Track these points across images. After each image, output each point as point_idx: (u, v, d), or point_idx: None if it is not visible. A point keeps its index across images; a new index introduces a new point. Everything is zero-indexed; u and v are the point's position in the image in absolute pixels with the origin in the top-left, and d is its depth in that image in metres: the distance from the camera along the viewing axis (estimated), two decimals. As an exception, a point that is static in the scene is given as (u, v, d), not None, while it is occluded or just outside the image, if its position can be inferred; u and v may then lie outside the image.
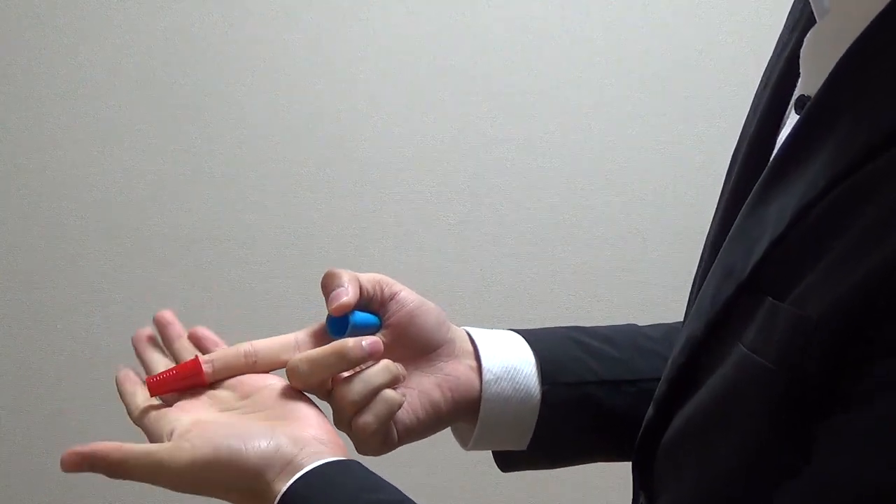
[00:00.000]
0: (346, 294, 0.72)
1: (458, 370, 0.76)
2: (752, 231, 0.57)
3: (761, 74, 0.70)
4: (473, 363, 0.77)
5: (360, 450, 0.72)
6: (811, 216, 0.53)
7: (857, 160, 0.51)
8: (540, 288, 1.71)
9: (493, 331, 0.80)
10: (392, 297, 0.76)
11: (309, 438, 0.64)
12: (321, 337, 0.74)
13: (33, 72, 1.62)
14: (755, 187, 0.60)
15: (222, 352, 0.73)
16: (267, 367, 0.73)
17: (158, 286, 1.65)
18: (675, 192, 1.70)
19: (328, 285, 0.73)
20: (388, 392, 0.70)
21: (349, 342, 0.69)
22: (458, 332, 0.78)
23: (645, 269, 1.71)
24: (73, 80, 1.62)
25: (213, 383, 0.71)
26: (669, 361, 0.64)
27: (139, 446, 0.66)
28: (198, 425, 0.66)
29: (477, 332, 0.79)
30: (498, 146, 1.69)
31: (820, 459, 0.49)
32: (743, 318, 0.56)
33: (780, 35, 0.71)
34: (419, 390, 0.75)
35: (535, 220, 1.70)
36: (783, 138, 0.62)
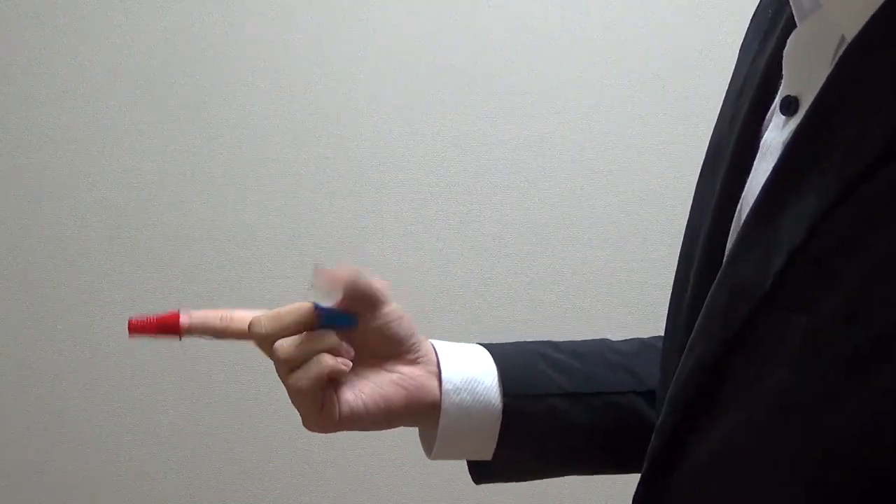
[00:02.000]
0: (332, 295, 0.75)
1: (416, 374, 0.77)
2: (763, 243, 0.54)
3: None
4: (434, 370, 0.78)
5: (305, 424, 0.76)
6: (831, 223, 0.50)
7: (874, 161, 0.49)
8: (540, 288, 1.71)
9: (458, 344, 0.81)
10: (376, 307, 0.77)
11: None
12: None
13: (33, 72, 1.62)
14: (758, 196, 0.57)
15: (203, 311, 0.76)
16: (238, 333, 0.76)
17: (158, 286, 1.65)
18: (675, 192, 1.70)
19: (332, 282, 0.76)
20: (323, 356, 0.73)
21: (333, 335, 0.74)
22: (425, 344, 0.79)
23: (645, 269, 1.71)
24: (73, 80, 1.62)
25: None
26: (673, 388, 0.60)
27: None
28: None
29: (440, 345, 0.80)
30: (498, 146, 1.68)
31: None
32: (769, 338, 0.53)
33: (742, 50, 0.70)
34: (373, 382, 0.76)
35: (535, 220, 1.70)
36: (768, 140, 0.61)
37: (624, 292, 1.71)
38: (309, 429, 0.76)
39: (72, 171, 1.63)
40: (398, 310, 0.78)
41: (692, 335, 0.59)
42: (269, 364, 1.81)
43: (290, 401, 0.76)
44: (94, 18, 1.62)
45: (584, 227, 1.70)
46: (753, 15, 0.70)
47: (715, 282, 0.58)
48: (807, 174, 0.53)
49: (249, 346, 1.53)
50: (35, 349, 1.64)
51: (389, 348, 0.77)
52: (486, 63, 1.67)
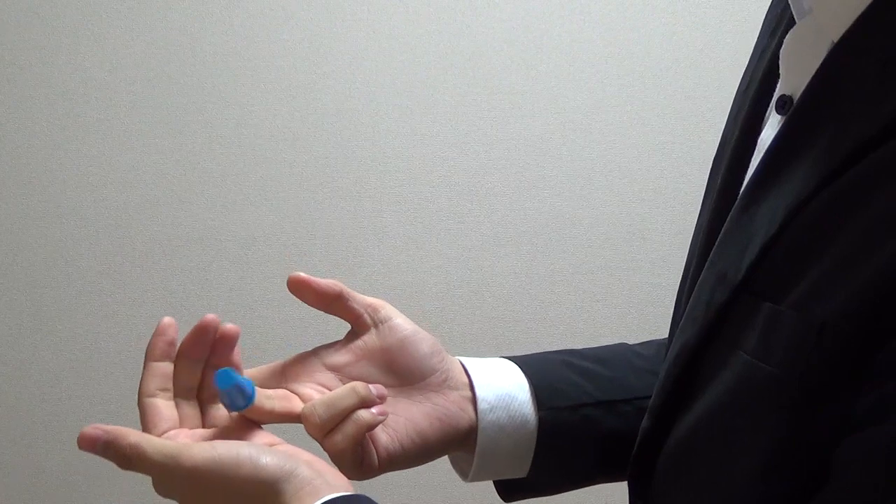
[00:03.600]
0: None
1: (449, 401, 0.75)
2: (743, 233, 0.57)
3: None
4: (468, 393, 0.76)
5: (344, 474, 0.71)
6: (804, 216, 0.53)
7: (847, 158, 0.51)
8: (540, 288, 1.71)
9: (487, 359, 0.79)
10: (383, 322, 0.75)
11: (326, 469, 0.63)
12: (306, 362, 0.75)
13: (33, 72, 1.62)
14: (743, 189, 0.60)
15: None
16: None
17: (159, 286, 1.65)
18: (675, 191, 1.70)
19: (308, 291, 0.74)
20: (359, 412, 0.69)
21: (359, 386, 0.69)
22: (453, 363, 0.77)
23: (645, 269, 1.71)
24: (73, 80, 1.62)
25: None
26: (663, 371, 0.64)
27: (157, 438, 0.64)
28: (218, 436, 0.67)
29: (470, 362, 0.78)
30: (498, 146, 1.69)
31: (844, 473, 0.48)
32: (739, 323, 0.55)
33: (758, 40, 0.71)
34: (406, 418, 0.73)
35: (535, 220, 1.70)
36: (764, 138, 0.62)
37: (624, 292, 1.71)
38: (349, 478, 0.71)
39: (72, 171, 1.63)
40: (409, 325, 0.75)
41: (681, 321, 0.63)
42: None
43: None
44: (94, 18, 1.62)
45: (584, 227, 1.70)
46: (770, 5, 0.70)
47: (703, 271, 0.61)
48: (786, 170, 0.55)
49: (250, 348, 1.53)
50: (35, 349, 1.64)
51: (414, 373, 0.74)
52: (486, 63, 1.67)
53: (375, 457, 0.72)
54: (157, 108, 1.63)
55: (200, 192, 1.65)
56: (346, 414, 0.69)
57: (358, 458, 0.70)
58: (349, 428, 0.69)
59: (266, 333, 1.64)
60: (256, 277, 1.65)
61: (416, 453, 0.73)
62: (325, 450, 0.71)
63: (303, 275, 0.74)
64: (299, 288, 0.74)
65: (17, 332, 1.64)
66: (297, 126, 1.65)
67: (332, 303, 0.74)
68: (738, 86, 0.71)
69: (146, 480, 0.65)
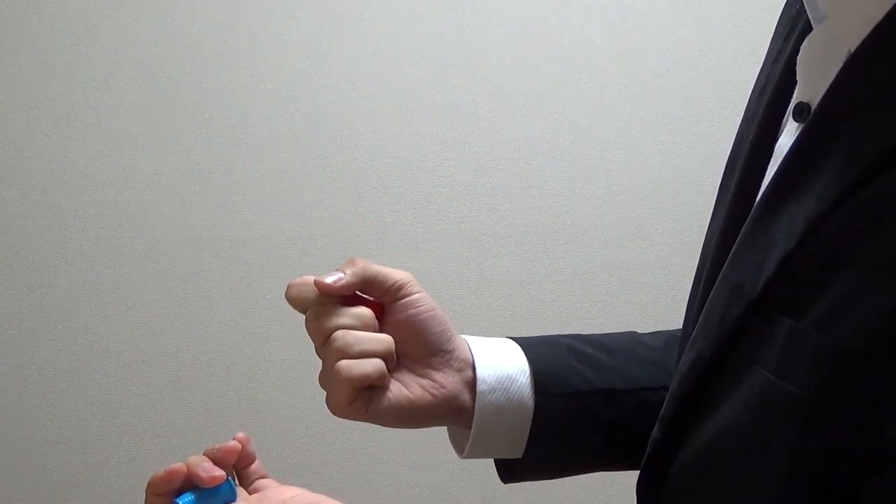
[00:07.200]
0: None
1: (447, 380, 0.77)
2: (760, 245, 0.56)
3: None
4: (469, 374, 0.77)
5: (329, 406, 0.74)
6: (823, 230, 0.52)
7: (868, 170, 0.50)
8: (540, 288, 1.71)
9: (491, 339, 0.81)
10: (406, 296, 0.76)
11: None
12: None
13: (33, 72, 1.62)
14: (759, 198, 0.59)
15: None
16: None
17: (158, 286, 1.65)
18: (675, 192, 1.70)
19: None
20: (380, 362, 0.72)
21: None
22: (459, 342, 0.79)
23: (645, 269, 1.71)
24: (73, 80, 1.62)
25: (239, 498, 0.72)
26: (675, 381, 0.63)
27: None
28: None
29: (475, 342, 0.79)
30: (498, 146, 1.69)
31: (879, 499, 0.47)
32: (757, 339, 0.55)
33: (772, 42, 0.70)
34: (402, 383, 0.75)
35: (535, 220, 1.70)
36: (781, 146, 0.61)
37: (624, 292, 1.71)
38: (332, 411, 0.75)
39: (72, 171, 1.63)
40: (428, 301, 0.77)
41: (693, 332, 0.62)
42: (268, 365, 1.81)
43: (289, 400, 0.75)
44: (94, 18, 1.62)
45: (584, 227, 1.70)
46: (784, 7, 0.70)
47: (717, 281, 0.60)
48: (804, 182, 0.54)
49: (250, 348, 1.53)
50: (35, 349, 1.64)
51: (422, 348, 0.76)
52: (486, 63, 1.67)
53: (365, 404, 0.74)
54: (156, 108, 1.63)
55: (200, 191, 1.65)
56: (370, 355, 0.72)
57: (352, 396, 0.73)
58: (366, 367, 0.72)
59: (266, 334, 1.64)
60: (256, 277, 1.65)
61: (401, 416, 0.76)
62: (330, 370, 0.73)
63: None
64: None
65: (17, 332, 1.64)
66: (297, 126, 1.65)
67: (362, 287, 0.76)
68: (751, 88, 0.71)
69: (145, 480, 0.65)
